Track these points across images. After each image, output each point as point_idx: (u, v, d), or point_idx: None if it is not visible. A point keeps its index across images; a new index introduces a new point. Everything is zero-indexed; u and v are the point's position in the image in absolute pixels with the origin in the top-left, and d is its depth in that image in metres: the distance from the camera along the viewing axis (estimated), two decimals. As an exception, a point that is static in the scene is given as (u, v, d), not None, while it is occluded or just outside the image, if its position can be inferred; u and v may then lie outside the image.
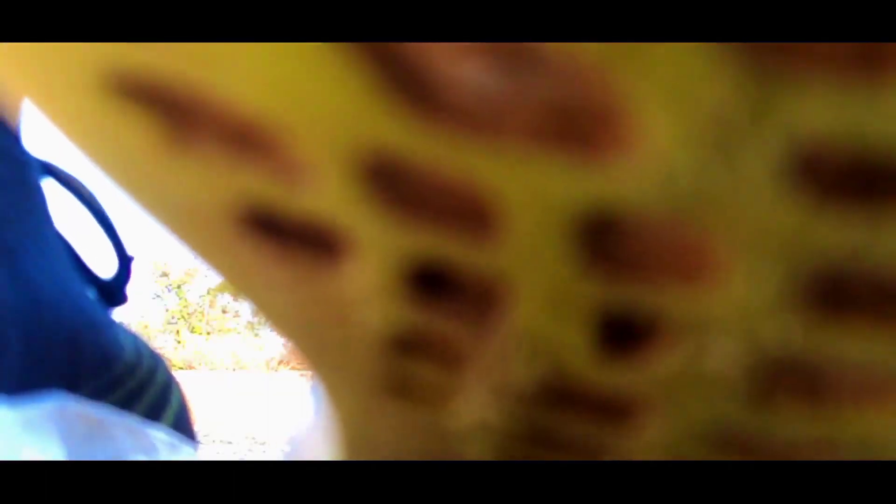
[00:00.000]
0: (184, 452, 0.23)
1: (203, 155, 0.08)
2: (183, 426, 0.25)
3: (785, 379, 0.08)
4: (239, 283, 0.09)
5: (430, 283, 0.08)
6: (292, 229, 0.08)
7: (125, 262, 0.27)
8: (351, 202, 0.07)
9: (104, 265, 0.27)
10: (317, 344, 0.10)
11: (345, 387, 0.10)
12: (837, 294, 0.07)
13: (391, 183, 0.07)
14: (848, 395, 0.08)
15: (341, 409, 0.11)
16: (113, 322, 0.25)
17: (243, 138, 0.07)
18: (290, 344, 0.10)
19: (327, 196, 0.07)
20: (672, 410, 0.08)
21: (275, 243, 0.08)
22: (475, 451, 0.10)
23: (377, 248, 0.08)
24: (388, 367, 0.09)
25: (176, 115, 0.07)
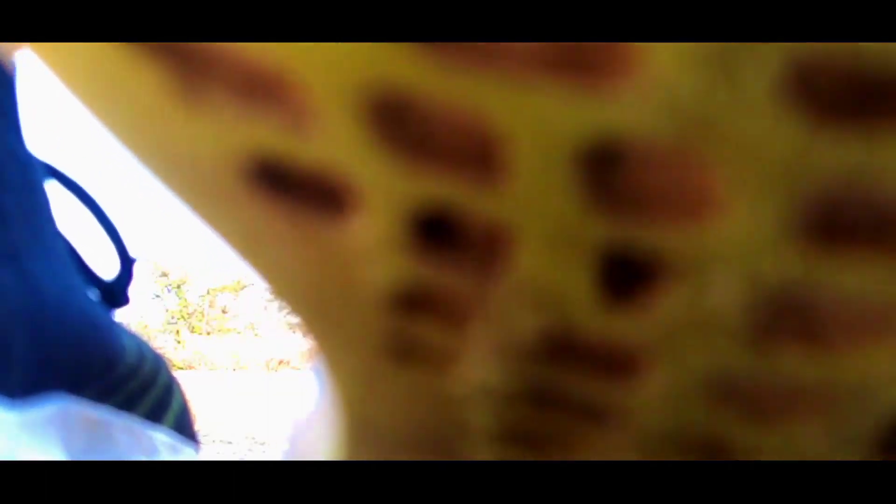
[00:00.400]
0: (185, 454, 0.23)
1: (212, 104, 0.07)
2: (184, 428, 0.25)
3: (785, 317, 0.08)
4: (243, 243, 0.09)
5: (435, 231, 0.08)
6: (300, 181, 0.08)
7: (127, 263, 0.27)
8: (357, 146, 0.07)
9: (106, 267, 0.27)
10: (321, 306, 0.10)
11: (348, 352, 0.10)
12: (836, 222, 0.07)
13: (396, 122, 0.07)
14: (847, 331, 0.08)
15: (344, 377, 0.11)
16: (115, 323, 0.25)
17: (252, 84, 0.07)
18: (292, 308, 0.10)
19: (334, 141, 0.07)
20: (674, 359, 0.08)
21: (282, 198, 0.08)
22: (478, 416, 0.10)
23: (383, 195, 0.08)
24: (393, 328, 0.09)
25: (186, 62, 0.07)
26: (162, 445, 0.23)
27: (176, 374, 0.27)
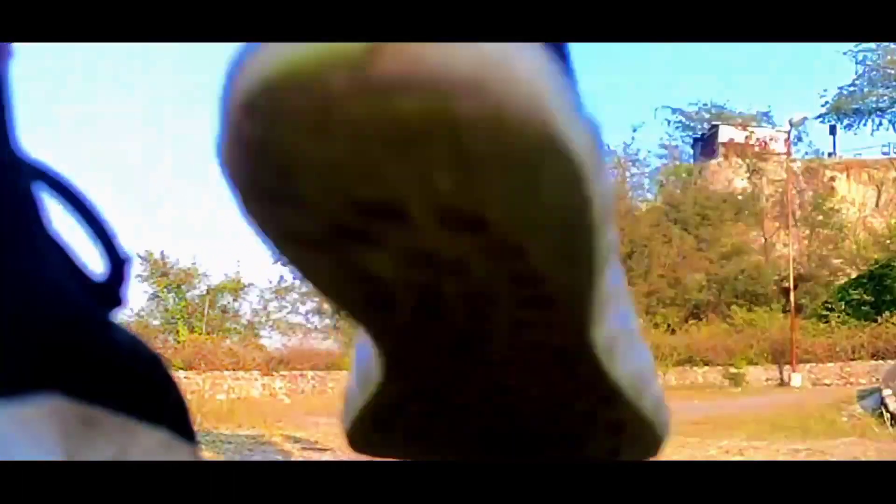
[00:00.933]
0: (181, 452, 0.23)
1: None
2: (181, 426, 0.25)
3: None
4: None
5: None
6: None
7: (119, 264, 0.27)
8: None
9: (99, 267, 0.27)
10: None
11: None
12: None
13: None
14: None
15: None
16: (110, 322, 0.25)
17: None
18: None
19: None
20: None
21: None
22: None
23: None
24: None
25: None
26: (158, 444, 0.22)
27: (176, 374, 0.27)
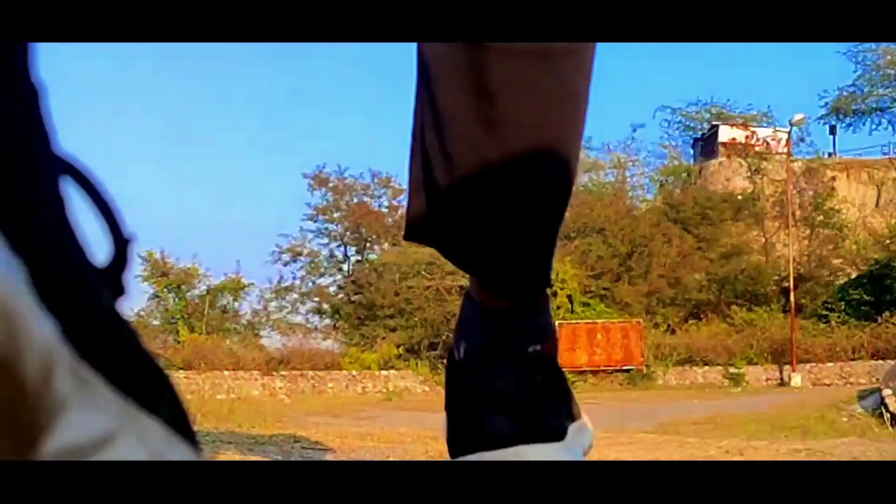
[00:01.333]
0: (178, 448, 0.23)
1: None
2: (178, 423, 0.25)
3: None
4: None
5: None
6: None
7: (122, 245, 0.26)
8: None
9: (101, 252, 0.26)
10: None
11: None
12: None
13: None
14: None
15: None
16: (115, 310, 0.25)
17: None
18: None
19: None
20: None
21: None
22: None
23: None
24: None
25: None
26: (156, 433, 0.22)
27: (175, 373, 0.27)
